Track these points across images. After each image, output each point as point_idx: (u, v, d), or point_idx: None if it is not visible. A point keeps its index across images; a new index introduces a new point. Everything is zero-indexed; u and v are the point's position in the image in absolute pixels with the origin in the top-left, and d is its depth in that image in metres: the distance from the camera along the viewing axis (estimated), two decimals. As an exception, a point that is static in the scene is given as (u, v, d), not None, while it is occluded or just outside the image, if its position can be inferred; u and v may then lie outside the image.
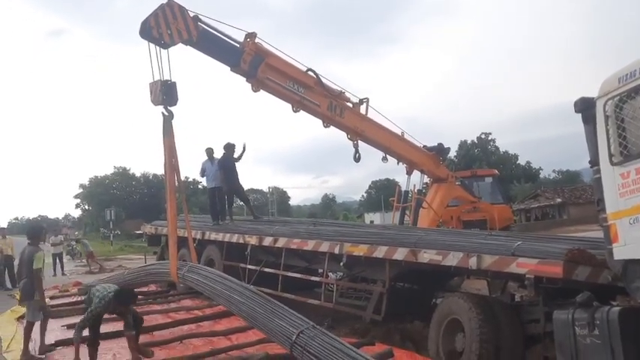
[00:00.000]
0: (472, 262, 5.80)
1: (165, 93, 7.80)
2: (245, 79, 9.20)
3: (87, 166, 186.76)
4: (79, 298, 11.42)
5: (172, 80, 7.86)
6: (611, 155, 4.26)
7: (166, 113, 7.94)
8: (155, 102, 7.96)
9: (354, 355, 4.97)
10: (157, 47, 7.87)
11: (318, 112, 9.94)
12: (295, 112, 9.74)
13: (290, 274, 9.20)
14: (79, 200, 76.86)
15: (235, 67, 8.94)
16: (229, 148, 11.32)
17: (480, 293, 7.62)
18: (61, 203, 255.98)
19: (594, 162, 4.54)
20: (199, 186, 57.44)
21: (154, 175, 70.18)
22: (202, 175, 11.86)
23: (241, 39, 9.00)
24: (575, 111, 4.75)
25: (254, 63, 8.94)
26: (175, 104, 7.96)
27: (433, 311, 6.45)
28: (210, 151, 11.64)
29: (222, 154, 11.41)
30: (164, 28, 7.89)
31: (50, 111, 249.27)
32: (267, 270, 9.65)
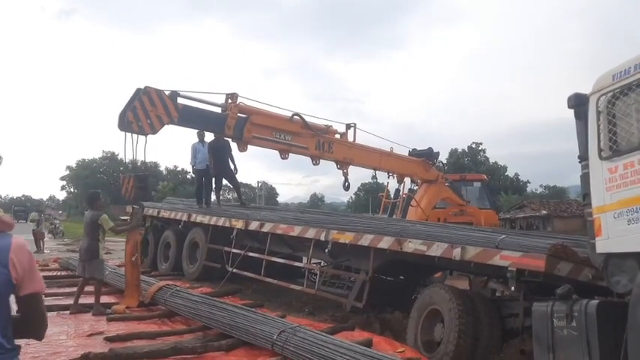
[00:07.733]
0: (456, 253, 5.84)
1: (137, 187, 7.65)
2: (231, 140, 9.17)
3: (75, 148, 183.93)
4: (58, 273, 11.90)
5: (145, 173, 7.73)
6: (600, 150, 4.31)
7: (137, 207, 7.78)
8: (125, 195, 7.85)
9: (336, 342, 5.00)
10: (135, 135, 7.62)
11: (306, 154, 10.04)
12: (284, 158, 9.72)
13: (274, 259, 9.18)
14: (64, 182, 76.06)
15: (220, 134, 8.83)
16: None
17: (461, 289, 7.67)
18: (47, 185, 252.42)
19: (583, 157, 4.59)
20: (188, 176, 57.05)
21: (142, 162, 69.21)
22: (194, 158, 11.76)
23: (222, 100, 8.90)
24: (569, 106, 4.80)
25: (238, 125, 8.85)
26: (146, 197, 7.78)
27: (414, 303, 6.49)
28: (201, 134, 11.57)
29: (213, 138, 11.35)
30: (144, 120, 7.57)
31: (43, 90, 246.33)
32: (251, 254, 9.62)
